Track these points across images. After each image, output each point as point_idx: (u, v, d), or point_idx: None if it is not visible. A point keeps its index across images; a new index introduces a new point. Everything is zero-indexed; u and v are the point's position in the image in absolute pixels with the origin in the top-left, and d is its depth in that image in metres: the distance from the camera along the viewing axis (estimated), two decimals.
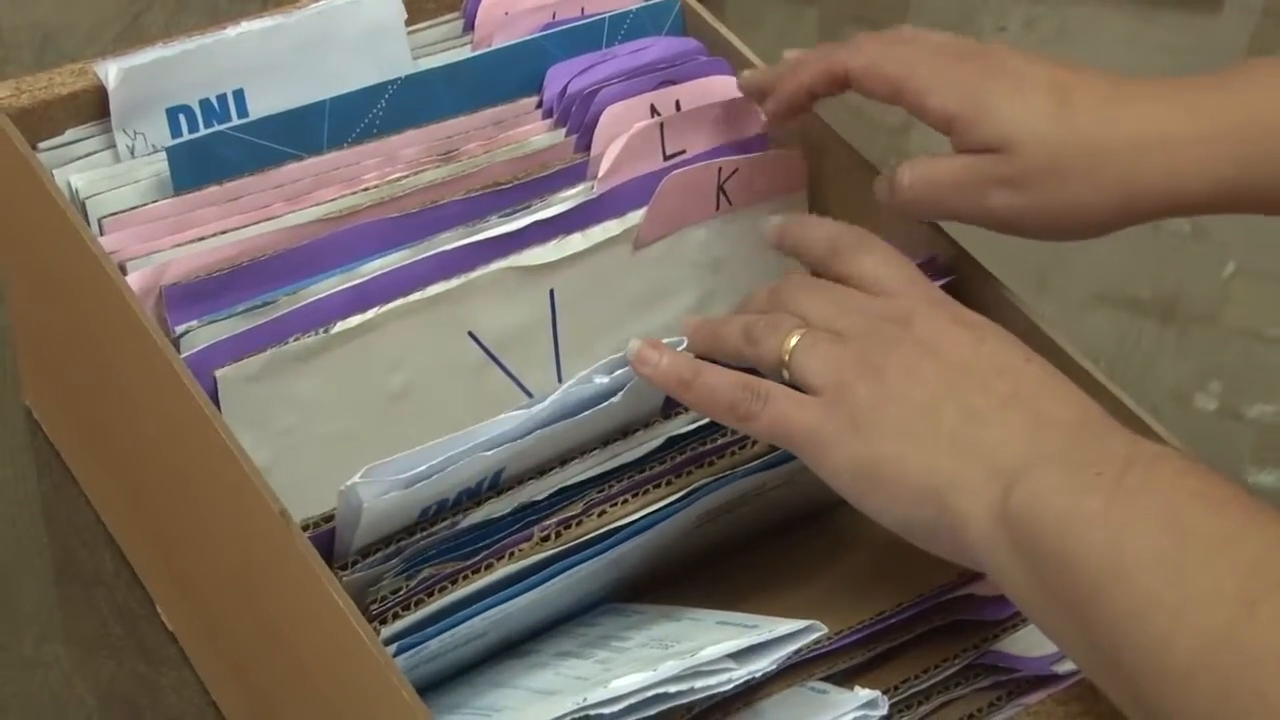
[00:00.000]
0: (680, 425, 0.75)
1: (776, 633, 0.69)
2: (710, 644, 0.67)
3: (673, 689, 0.66)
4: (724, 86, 0.89)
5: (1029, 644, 0.76)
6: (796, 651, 0.69)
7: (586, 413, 0.73)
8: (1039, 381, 0.68)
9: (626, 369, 0.73)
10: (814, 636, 0.69)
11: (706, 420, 0.75)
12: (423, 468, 0.69)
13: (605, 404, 0.73)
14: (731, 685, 0.67)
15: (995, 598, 0.76)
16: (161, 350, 0.75)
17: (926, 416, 0.67)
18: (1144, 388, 0.79)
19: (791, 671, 0.73)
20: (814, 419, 0.68)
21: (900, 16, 1.32)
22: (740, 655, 0.68)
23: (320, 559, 0.68)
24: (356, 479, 0.68)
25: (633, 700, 0.66)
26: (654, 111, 0.86)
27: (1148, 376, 1.03)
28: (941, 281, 0.80)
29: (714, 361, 0.72)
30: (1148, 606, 0.59)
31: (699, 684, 0.67)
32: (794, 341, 0.71)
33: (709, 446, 0.75)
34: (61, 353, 0.89)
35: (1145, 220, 0.77)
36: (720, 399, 0.70)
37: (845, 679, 0.74)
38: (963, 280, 0.83)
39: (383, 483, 0.69)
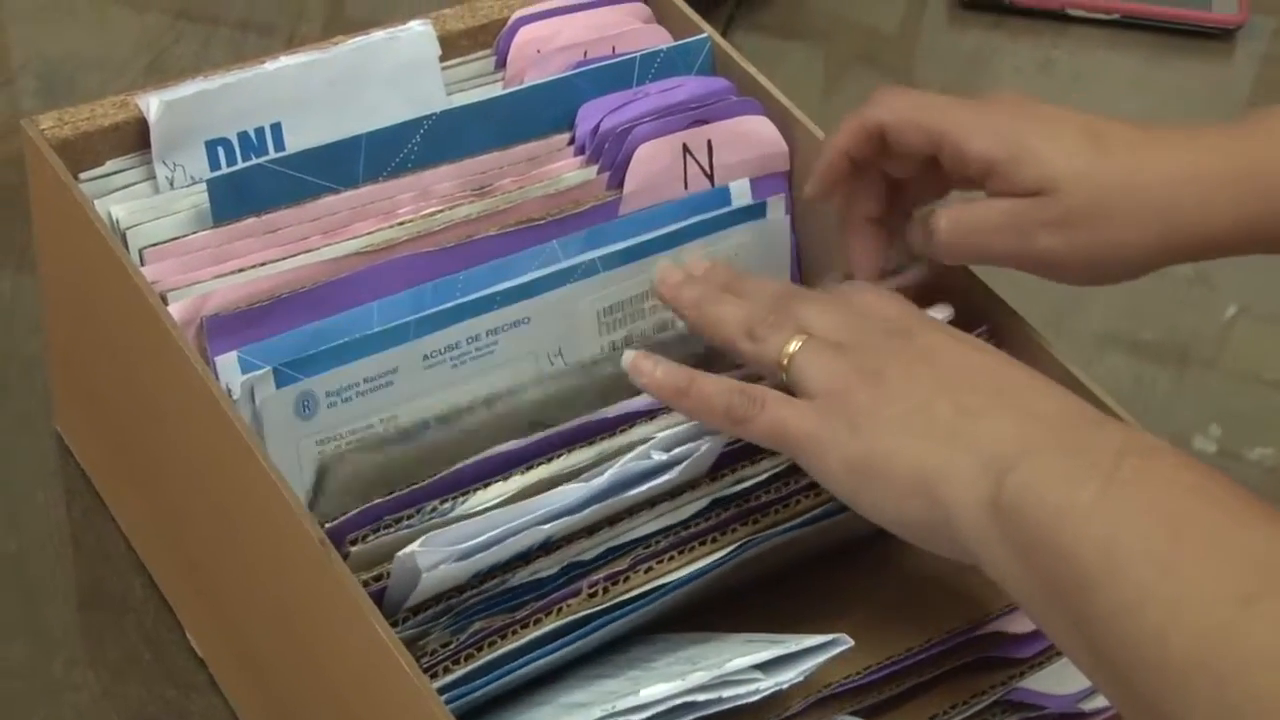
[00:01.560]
0: (725, 487, 0.76)
1: (803, 644, 0.70)
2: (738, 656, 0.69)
3: (700, 698, 0.68)
4: (755, 126, 0.90)
5: (1056, 681, 0.77)
6: (823, 666, 0.70)
7: (641, 487, 0.73)
8: (1030, 384, 0.69)
9: (684, 446, 0.73)
10: (840, 649, 0.71)
11: (751, 482, 0.76)
12: (480, 539, 0.70)
13: (661, 479, 0.73)
14: (759, 695, 0.68)
15: (1024, 635, 0.77)
16: (203, 379, 0.75)
17: (920, 413, 0.68)
18: (1147, 430, 0.80)
19: (821, 706, 0.74)
20: (811, 423, 0.69)
21: (908, 58, 1.33)
22: (767, 666, 0.69)
23: (375, 609, 0.69)
24: (415, 547, 0.69)
25: (661, 709, 0.67)
26: (686, 150, 0.88)
27: (1149, 419, 1.04)
28: (977, 331, 0.81)
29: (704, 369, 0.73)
30: (1142, 601, 0.59)
31: (727, 694, 0.68)
32: (795, 346, 0.72)
33: (753, 504, 0.76)
34: (97, 379, 0.89)
35: (1182, 260, 0.78)
36: (716, 404, 0.71)
37: (873, 713, 0.75)
38: (994, 329, 0.83)
39: (440, 552, 0.69)
